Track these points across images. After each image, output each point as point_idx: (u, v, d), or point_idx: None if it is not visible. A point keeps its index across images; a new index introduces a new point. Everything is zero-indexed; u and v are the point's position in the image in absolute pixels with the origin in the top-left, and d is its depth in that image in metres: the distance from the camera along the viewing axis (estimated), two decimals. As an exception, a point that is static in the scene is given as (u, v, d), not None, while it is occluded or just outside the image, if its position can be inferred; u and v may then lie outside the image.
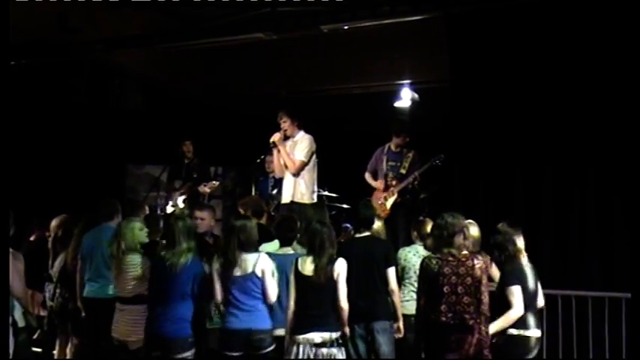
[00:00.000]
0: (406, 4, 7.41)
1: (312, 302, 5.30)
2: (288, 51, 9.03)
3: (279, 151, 7.51)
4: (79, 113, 10.19)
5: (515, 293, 5.23)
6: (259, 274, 5.30)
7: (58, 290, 6.63)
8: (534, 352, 5.36)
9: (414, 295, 5.67)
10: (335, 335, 5.28)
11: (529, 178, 7.27)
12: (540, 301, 5.56)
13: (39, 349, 7.04)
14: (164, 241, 5.70)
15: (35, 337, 7.04)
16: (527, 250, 5.53)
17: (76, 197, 9.37)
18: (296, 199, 7.37)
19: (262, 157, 8.79)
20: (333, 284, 5.29)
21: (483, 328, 5.05)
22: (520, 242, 5.42)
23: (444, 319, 5.04)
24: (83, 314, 6.31)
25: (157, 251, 5.64)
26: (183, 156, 9.81)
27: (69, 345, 6.64)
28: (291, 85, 10.59)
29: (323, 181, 8.25)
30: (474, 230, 5.92)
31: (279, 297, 5.44)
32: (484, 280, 5.12)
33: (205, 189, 9.43)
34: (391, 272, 5.85)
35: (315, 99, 10.79)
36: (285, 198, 7.49)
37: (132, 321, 5.66)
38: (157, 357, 5.32)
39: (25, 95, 9.11)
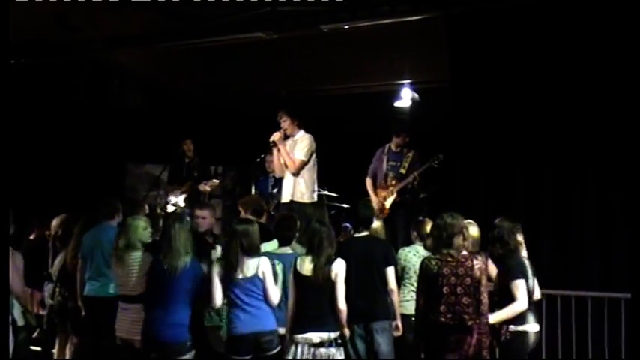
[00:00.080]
0: (406, 3, 7.42)
1: (311, 302, 5.30)
2: (288, 50, 9.03)
3: (279, 150, 7.51)
4: (79, 113, 10.19)
5: (520, 287, 5.24)
6: (261, 276, 5.30)
7: (57, 289, 6.63)
8: (532, 346, 5.38)
9: (414, 295, 5.66)
10: (334, 335, 5.28)
11: (529, 178, 7.27)
12: (537, 294, 5.58)
13: (38, 348, 7.05)
14: (160, 242, 5.67)
15: (34, 336, 7.06)
16: (526, 249, 5.55)
17: (76, 196, 9.38)
18: (296, 199, 7.37)
19: (262, 156, 8.80)
20: (331, 284, 5.29)
21: (482, 328, 5.06)
22: (520, 236, 5.43)
23: (443, 319, 5.05)
24: (83, 313, 6.31)
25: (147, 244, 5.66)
26: (183, 155, 9.80)
27: (68, 344, 6.64)
28: (291, 84, 10.58)
29: (323, 180, 8.24)
30: (474, 230, 5.93)
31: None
32: (483, 281, 5.13)
33: (206, 187, 9.42)
34: (390, 272, 5.85)
35: (315, 99, 10.79)
36: (285, 197, 7.49)
37: (137, 319, 5.61)
38: (155, 359, 5.31)
39: (25, 95, 9.11)
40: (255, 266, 5.30)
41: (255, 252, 5.37)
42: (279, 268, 5.53)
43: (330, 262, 5.31)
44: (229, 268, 5.29)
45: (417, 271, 5.49)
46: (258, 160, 8.89)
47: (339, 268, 5.33)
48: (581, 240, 7.02)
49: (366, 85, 10.58)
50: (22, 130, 8.47)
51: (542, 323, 5.93)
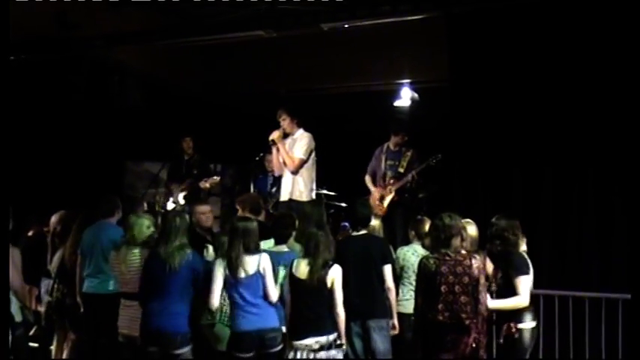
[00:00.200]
0: (407, 3, 7.43)
1: (306, 305, 5.30)
2: (288, 49, 9.03)
3: (278, 149, 7.51)
4: (78, 110, 10.18)
5: (525, 283, 5.25)
6: (262, 273, 5.32)
7: (56, 286, 6.63)
8: (532, 343, 5.39)
9: (413, 295, 5.66)
10: (332, 337, 5.28)
11: (528, 177, 7.27)
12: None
13: (36, 345, 7.05)
14: (158, 236, 5.67)
15: (32, 333, 7.05)
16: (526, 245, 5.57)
17: (75, 193, 9.37)
18: (294, 197, 7.37)
19: (261, 154, 8.80)
20: (326, 288, 5.28)
21: (480, 327, 5.06)
22: (519, 231, 5.43)
23: (440, 318, 5.05)
24: (82, 310, 6.31)
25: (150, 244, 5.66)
26: (182, 152, 9.79)
27: (67, 341, 6.63)
28: (291, 83, 10.58)
29: (322, 179, 8.25)
30: (472, 230, 5.94)
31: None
32: (482, 280, 5.12)
33: (206, 184, 9.40)
34: (388, 270, 5.86)
35: (314, 97, 10.79)
36: (284, 196, 7.49)
37: (140, 316, 5.56)
38: (154, 353, 5.30)
39: (25, 92, 9.10)
40: (256, 263, 5.32)
41: (255, 249, 5.39)
42: (281, 273, 5.53)
43: (326, 266, 5.31)
44: (232, 267, 5.30)
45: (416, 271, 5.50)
46: (257, 158, 8.89)
47: (335, 274, 5.32)
48: (580, 240, 7.03)
49: (365, 84, 10.59)
50: (21, 127, 8.46)
51: (540, 323, 5.93)
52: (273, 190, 8.64)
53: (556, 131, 7.12)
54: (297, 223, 6.04)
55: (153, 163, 11.01)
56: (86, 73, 9.98)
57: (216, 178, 9.57)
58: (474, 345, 5.03)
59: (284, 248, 5.83)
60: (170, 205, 9.48)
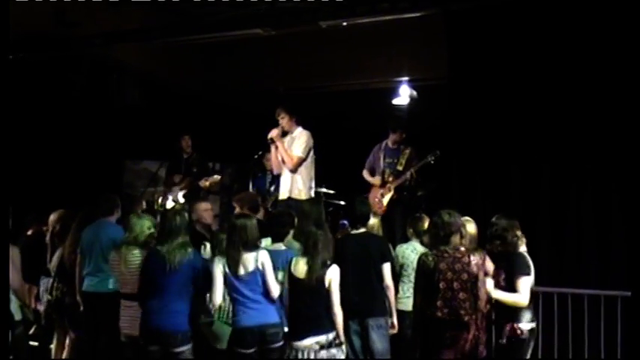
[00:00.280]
0: (405, 1, 7.40)
1: (305, 304, 5.30)
2: (286, 47, 9.03)
3: (276, 147, 7.51)
4: (77, 108, 10.17)
5: (526, 284, 5.26)
6: (261, 269, 5.32)
7: (55, 284, 6.63)
8: (532, 344, 5.39)
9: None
10: (331, 336, 5.27)
11: (527, 174, 7.28)
12: None
13: (36, 343, 7.05)
14: (158, 235, 5.67)
15: (31, 331, 7.05)
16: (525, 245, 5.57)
17: (74, 192, 9.37)
18: (293, 195, 7.38)
19: (260, 153, 8.79)
20: (324, 287, 5.28)
21: (479, 324, 5.07)
22: (518, 232, 5.44)
23: (439, 314, 5.05)
24: (81, 308, 6.31)
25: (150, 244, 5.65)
26: (181, 151, 9.77)
27: (67, 340, 6.64)
28: (290, 81, 10.57)
29: (320, 177, 8.25)
30: (471, 227, 5.93)
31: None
32: (480, 277, 5.13)
33: (206, 183, 9.39)
34: (386, 268, 5.86)
35: (313, 95, 10.77)
36: (283, 194, 7.49)
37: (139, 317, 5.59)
38: (155, 351, 5.30)
39: (24, 90, 9.09)
40: (255, 260, 5.32)
41: (254, 246, 5.38)
42: (279, 275, 5.53)
43: (324, 266, 5.30)
44: (231, 264, 5.30)
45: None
46: (256, 156, 8.88)
47: (333, 275, 5.30)
48: (579, 237, 7.04)
49: (364, 82, 10.58)
50: (20, 126, 8.44)
51: (539, 321, 5.93)
52: (272, 188, 8.64)
53: (554, 128, 7.12)
54: (295, 221, 6.04)
55: (151, 161, 11.00)
56: (85, 72, 9.96)
57: (217, 177, 9.54)
58: (473, 341, 5.04)
59: (281, 247, 5.79)
60: (169, 204, 9.47)
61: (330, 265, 5.33)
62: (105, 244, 6.19)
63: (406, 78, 10.18)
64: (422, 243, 6.26)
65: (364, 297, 5.76)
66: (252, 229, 5.41)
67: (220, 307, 5.60)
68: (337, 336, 5.30)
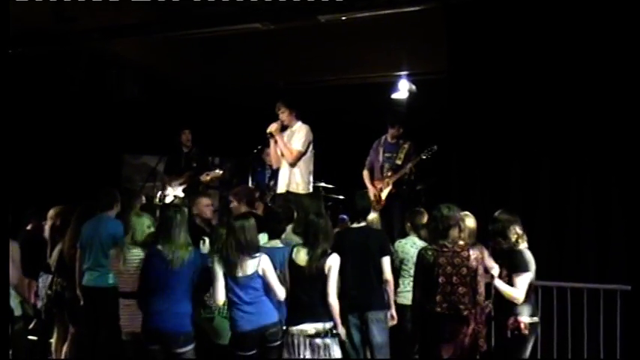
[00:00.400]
0: (405, -5, 7.41)
1: (304, 292, 5.31)
2: (285, 41, 9.01)
3: (276, 141, 7.51)
4: (76, 103, 10.16)
5: (523, 280, 5.26)
6: (261, 273, 5.29)
7: (55, 279, 6.63)
8: (533, 338, 5.40)
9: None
10: (328, 325, 5.28)
11: (526, 169, 7.28)
12: None
13: (35, 338, 7.06)
14: (157, 231, 5.64)
15: (31, 326, 7.06)
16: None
17: (73, 187, 9.37)
18: (291, 189, 7.38)
19: (260, 147, 8.76)
20: (323, 275, 5.28)
21: (479, 318, 5.08)
22: (520, 228, 5.44)
23: (439, 309, 5.07)
24: (81, 303, 6.32)
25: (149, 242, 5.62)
26: (181, 145, 9.74)
27: (67, 334, 6.64)
28: (289, 75, 10.55)
29: (320, 171, 8.24)
30: (470, 222, 5.93)
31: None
32: (480, 271, 5.14)
33: (207, 178, 9.36)
34: (386, 262, 5.87)
35: (312, 90, 10.76)
36: (281, 188, 7.50)
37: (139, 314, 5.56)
38: (157, 351, 5.27)
39: (23, 85, 9.08)
40: (255, 264, 5.29)
41: (253, 249, 5.34)
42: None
43: (325, 254, 5.30)
44: (229, 266, 5.29)
45: (415, 262, 5.51)
46: (255, 151, 8.86)
47: (332, 262, 5.30)
48: (578, 231, 7.04)
49: (363, 76, 10.56)
50: (18, 121, 8.43)
51: (538, 315, 5.94)
52: (272, 183, 8.63)
53: (554, 122, 7.11)
54: (295, 215, 6.03)
55: (151, 156, 10.99)
56: (84, 66, 9.94)
57: (219, 172, 9.48)
58: (472, 335, 5.05)
59: (278, 244, 5.77)
60: (169, 198, 9.46)
61: (331, 254, 5.33)
62: (104, 238, 6.20)
63: (405, 72, 10.17)
64: (420, 237, 6.26)
65: (363, 291, 5.77)
66: (250, 231, 5.36)
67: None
68: (334, 327, 5.30)
